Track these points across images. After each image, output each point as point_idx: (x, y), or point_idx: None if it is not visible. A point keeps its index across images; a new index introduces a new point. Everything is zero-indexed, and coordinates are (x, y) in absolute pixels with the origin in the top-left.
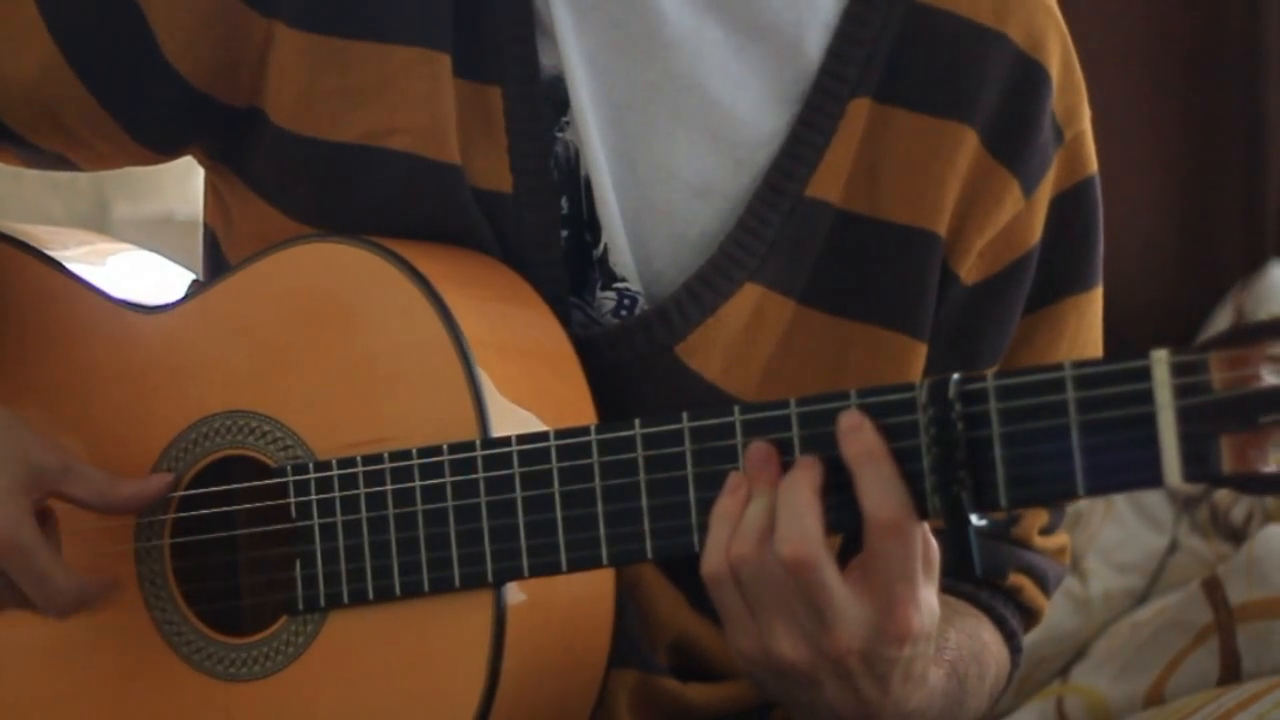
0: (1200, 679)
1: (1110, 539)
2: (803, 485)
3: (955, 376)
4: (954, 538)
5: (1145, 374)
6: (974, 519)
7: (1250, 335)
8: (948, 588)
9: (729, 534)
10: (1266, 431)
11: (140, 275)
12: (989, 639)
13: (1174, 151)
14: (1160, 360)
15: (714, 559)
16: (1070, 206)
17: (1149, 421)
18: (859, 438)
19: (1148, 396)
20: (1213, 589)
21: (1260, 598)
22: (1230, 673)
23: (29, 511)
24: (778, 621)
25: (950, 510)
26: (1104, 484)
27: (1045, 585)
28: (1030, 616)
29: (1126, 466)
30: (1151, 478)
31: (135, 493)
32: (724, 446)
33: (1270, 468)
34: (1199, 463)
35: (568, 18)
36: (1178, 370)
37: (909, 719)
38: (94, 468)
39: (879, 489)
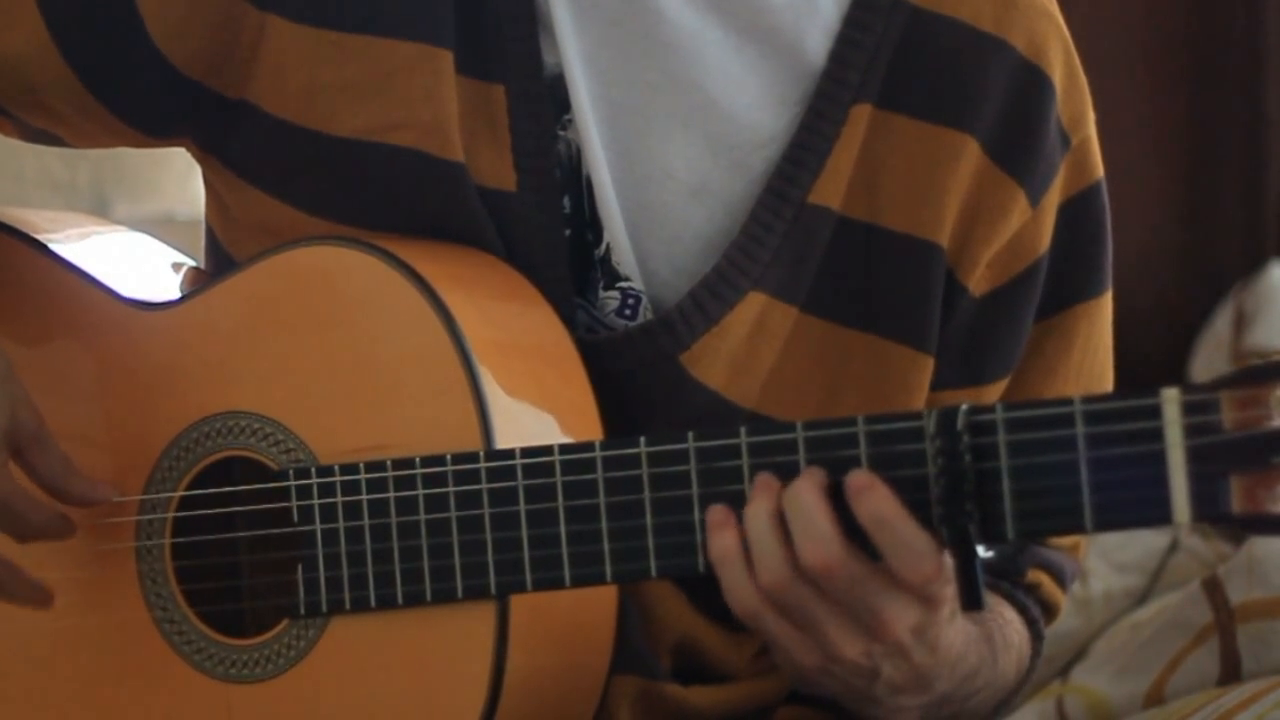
0: (1200, 679)
1: (1110, 539)
2: (804, 489)
3: (964, 407)
4: (960, 568)
5: (1156, 411)
6: (980, 550)
7: (1262, 375)
8: None
9: (742, 569)
10: (1277, 472)
11: (135, 259)
12: (1010, 616)
13: (1174, 151)
14: (1171, 398)
15: (742, 598)
16: (1079, 213)
17: (1159, 459)
18: (868, 500)
19: (1158, 434)
20: (1213, 589)
21: (1260, 598)
22: (1230, 673)
23: (5, 464)
24: (830, 628)
25: (957, 541)
26: (1112, 520)
27: (1062, 580)
28: (1049, 612)
29: (1135, 504)
30: (1160, 515)
31: (82, 492)
32: (729, 467)
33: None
34: (1209, 502)
35: (567, 16)
36: (1189, 409)
37: (955, 667)
38: (60, 450)
39: (900, 553)
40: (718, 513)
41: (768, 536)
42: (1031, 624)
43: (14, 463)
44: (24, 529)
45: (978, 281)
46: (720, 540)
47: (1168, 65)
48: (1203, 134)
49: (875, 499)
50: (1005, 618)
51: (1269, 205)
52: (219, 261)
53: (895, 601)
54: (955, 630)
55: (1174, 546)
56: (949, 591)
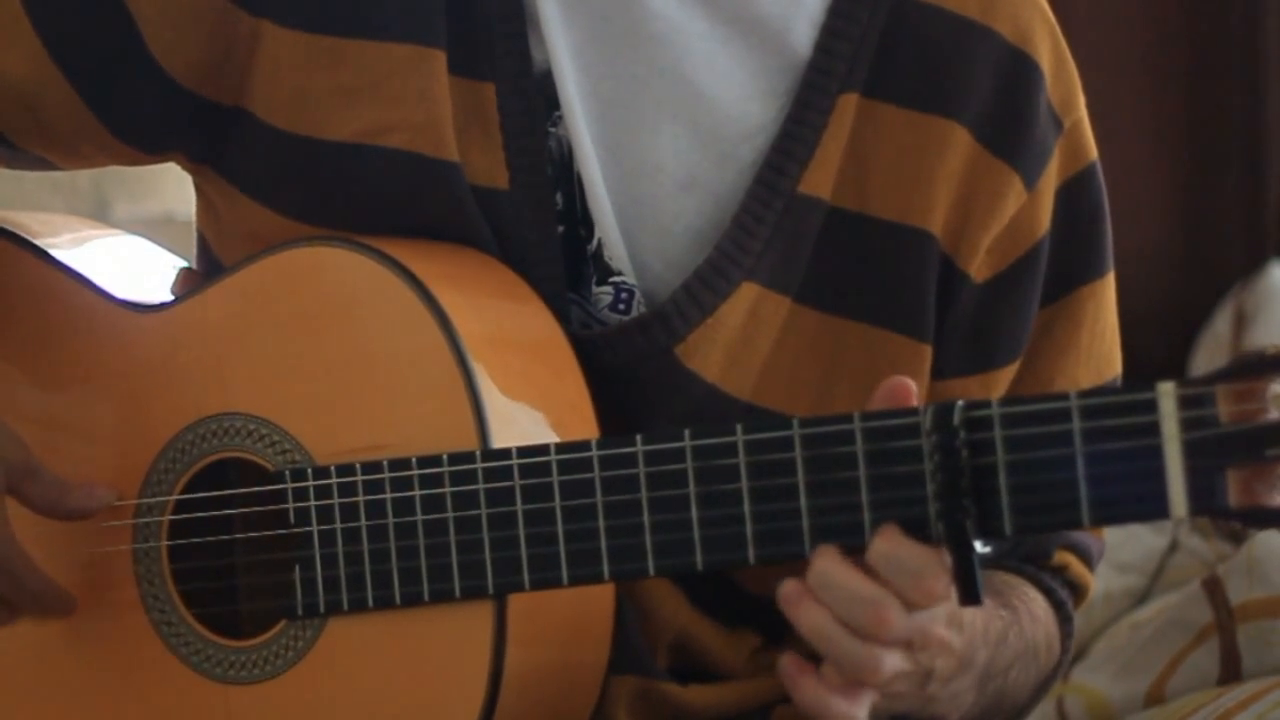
0: (1200, 679)
1: (1110, 539)
2: (829, 567)
3: (960, 402)
4: (957, 564)
5: (1151, 406)
6: (978, 546)
7: (1257, 368)
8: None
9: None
10: (1273, 465)
11: (130, 262)
12: (1034, 595)
13: (1174, 151)
14: (1167, 393)
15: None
16: (1076, 194)
17: (1155, 454)
18: (879, 550)
19: (1154, 429)
20: (1213, 589)
21: (1260, 598)
22: (1230, 672)
23: (3, 513)
24: (886, 659)
25: (954, 537)
26: (1109, 515)
27: (1089, 560)
28: (1077, 593)
29: (1132, 498)
30: (1157, 510)
31: (80, 505)
32: (726, 465)
33: (1277, 501)
34: (1205, 496)
35: (555, 12)
36: (1184, 403)
37: (987, 633)
38: (50, 473)
39: (905, 579)
40: (791, 587)
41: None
42: (1059, 606)
43: (10, 499)
44: (19, 593)
45: (979, 268)
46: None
47: (1168, 65)
48: (1203, 134)
49: (882, 541)
50: (1029, 596)
51: (1269, 205)
52: (210, 269)
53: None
54: (977, 609)
55: (1174, 546)
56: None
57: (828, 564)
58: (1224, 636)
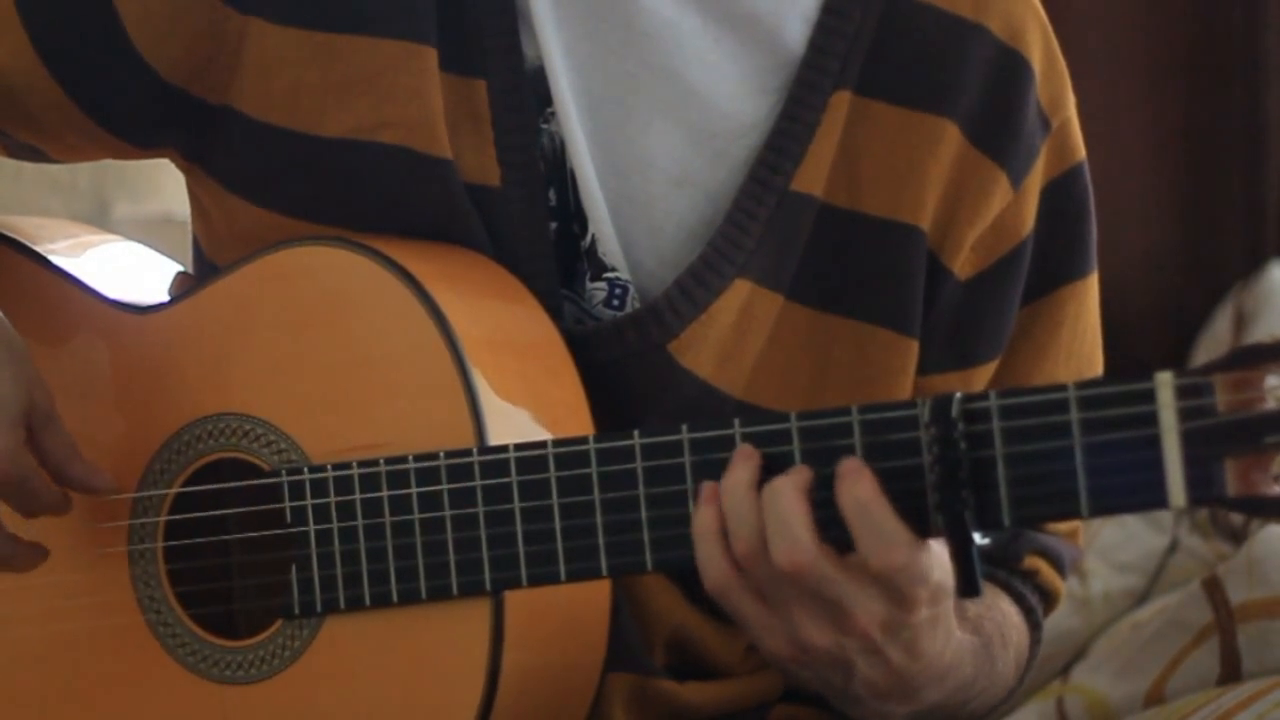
0: (1200, 679)
1: (1110, 539)
2: (784, 489)
3: (958, 395)
4: (956, 556)
5: (1150, 396)
6: (977, 538)
7: (1254, 357)
8: None
9: (718, 544)
10: (1271, 454)
11: (128, 267)
12: (1007, 609)
13: (1174, 151)
14: (1165, 383)
15: (714, 572)
16: (1062, 194)
17: (1153, 444)
18: (852, 484)
19: (1152, 419)
20: (1213, 589)
21: (1260, 598)
22: (1230, 672)
23: (22, 441)
24: (798, 611)
25: (953, 529)
26: (1108, 505)
27: (1060, 566)
28: (1048, 599)
29: (1131, 488)
30: (1156, 500)
31: (84, 476)
32: (724, 459)
33: (1275, 490)
34: (1204, 485)
35: (546, 8)
36: (1182, 393)
37: (944, 678)
38: (67, 431)
39: (873, 540)
40: (708, 488)
41: (744, 507)
42: (1028, 613)
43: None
44: (35, 506)
45: (962, 265)
46: (704, 514)
47: (1168, 65)
48: (1203, 134)
49: (860, 484)
50: (1003, 611)
51: (1269, 205)
52: (205, 272)
53: (861, 595)
54: (941, 639)
55: (1174, 546)
56: (922, 593)
57: (785, 483)
58: (1224, 636)
